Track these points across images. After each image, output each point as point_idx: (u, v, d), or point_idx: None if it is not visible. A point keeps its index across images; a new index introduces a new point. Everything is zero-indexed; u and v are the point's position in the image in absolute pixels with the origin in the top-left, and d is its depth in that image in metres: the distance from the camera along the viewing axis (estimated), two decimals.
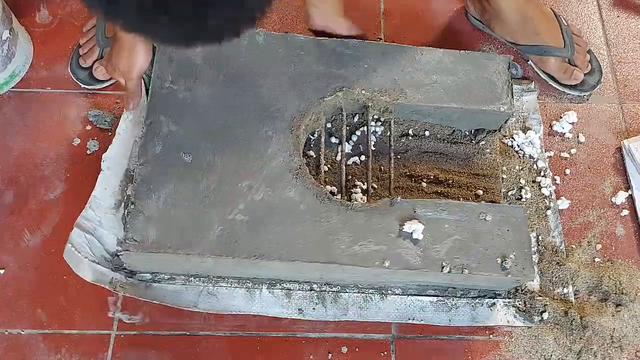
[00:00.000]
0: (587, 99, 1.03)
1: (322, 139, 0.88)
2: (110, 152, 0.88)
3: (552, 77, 1.02)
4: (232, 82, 0.86)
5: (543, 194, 0.93)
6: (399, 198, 0.81)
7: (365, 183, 0.87)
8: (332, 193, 0.85)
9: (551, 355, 0.84)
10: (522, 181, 0.94)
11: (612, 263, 0.90)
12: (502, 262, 0.78)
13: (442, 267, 0.77)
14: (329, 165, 0.90)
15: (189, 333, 0.85)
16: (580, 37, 1.04)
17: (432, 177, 0.91)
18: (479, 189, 0.90)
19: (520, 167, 0.95)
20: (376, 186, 0.89)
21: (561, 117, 1.01)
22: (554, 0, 1.12)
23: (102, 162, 0.87)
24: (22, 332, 0.84)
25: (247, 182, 0.80)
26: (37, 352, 0.83)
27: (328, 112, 0.90)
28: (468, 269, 0.77)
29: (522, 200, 0.93)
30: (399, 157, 0.92)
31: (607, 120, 1.02)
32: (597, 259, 0.90)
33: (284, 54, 0.89)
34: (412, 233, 0.78)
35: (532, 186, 0.94)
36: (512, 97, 0.89)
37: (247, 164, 0.81)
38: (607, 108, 1.03)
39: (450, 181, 0.91)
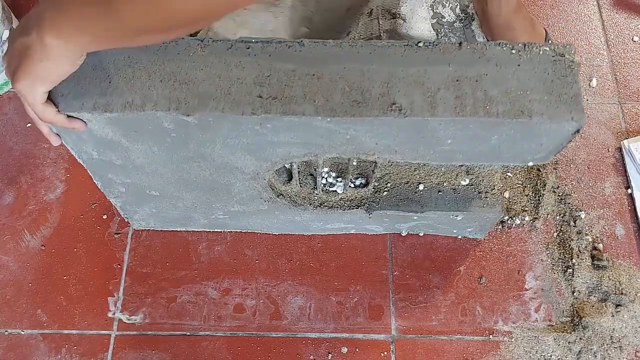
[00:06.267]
0: (586, 100, 1.03)
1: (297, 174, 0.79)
2: None
3: None
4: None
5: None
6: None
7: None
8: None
9: (551, 356, 0.84)
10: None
11: (612, 263, 0.90)
12: None
13: None
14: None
15: (189, 333, 0.85)
16: None
17: None
18: None
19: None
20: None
21: None
22: (554, 0, 1.12)
23: None
24: (22, 332, 0.84)
25: (219, 204, 0.80)
26: (37, 352, 0.83)
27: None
28: None
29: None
30: None
31: (607, 120, 1.02)
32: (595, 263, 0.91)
33: None
34: None
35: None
36: None
37: (216, 197, 0.78)
38: (607, 108, 1.03)
39: None
